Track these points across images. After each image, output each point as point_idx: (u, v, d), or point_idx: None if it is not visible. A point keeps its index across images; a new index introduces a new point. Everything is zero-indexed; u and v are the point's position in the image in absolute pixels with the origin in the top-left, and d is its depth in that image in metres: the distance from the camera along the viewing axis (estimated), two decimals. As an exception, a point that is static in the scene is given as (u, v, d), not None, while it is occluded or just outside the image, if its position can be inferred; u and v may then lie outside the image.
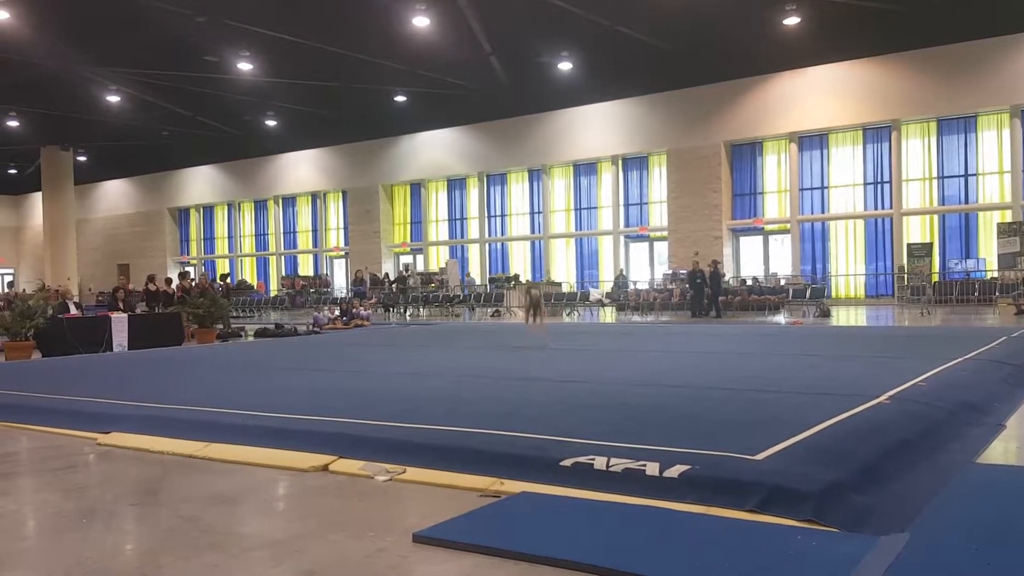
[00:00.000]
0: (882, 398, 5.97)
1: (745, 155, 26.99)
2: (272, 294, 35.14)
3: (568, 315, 24.28)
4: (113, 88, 25.51)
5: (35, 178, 36.97)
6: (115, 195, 44.17)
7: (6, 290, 36.23)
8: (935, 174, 24.20)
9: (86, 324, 15.03)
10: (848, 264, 25.65)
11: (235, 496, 4.47)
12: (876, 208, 24.97)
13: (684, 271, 23.59)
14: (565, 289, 28.00)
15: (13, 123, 29.69)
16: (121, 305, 16.72)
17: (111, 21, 19.57)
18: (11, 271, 46.59)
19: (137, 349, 14.47)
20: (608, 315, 23.92)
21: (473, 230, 32.78)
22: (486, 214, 32.41)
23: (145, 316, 16.88)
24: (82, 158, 36.65)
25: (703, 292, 21.55)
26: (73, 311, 16.25)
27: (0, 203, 47.44)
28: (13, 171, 39.77)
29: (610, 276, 29.03)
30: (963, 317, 18.21)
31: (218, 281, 25.90)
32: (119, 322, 15.01)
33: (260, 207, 39.37)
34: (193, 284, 21.03)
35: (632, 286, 26.46)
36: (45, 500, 4.58)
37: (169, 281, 20.77)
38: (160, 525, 3.97)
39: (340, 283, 35.78)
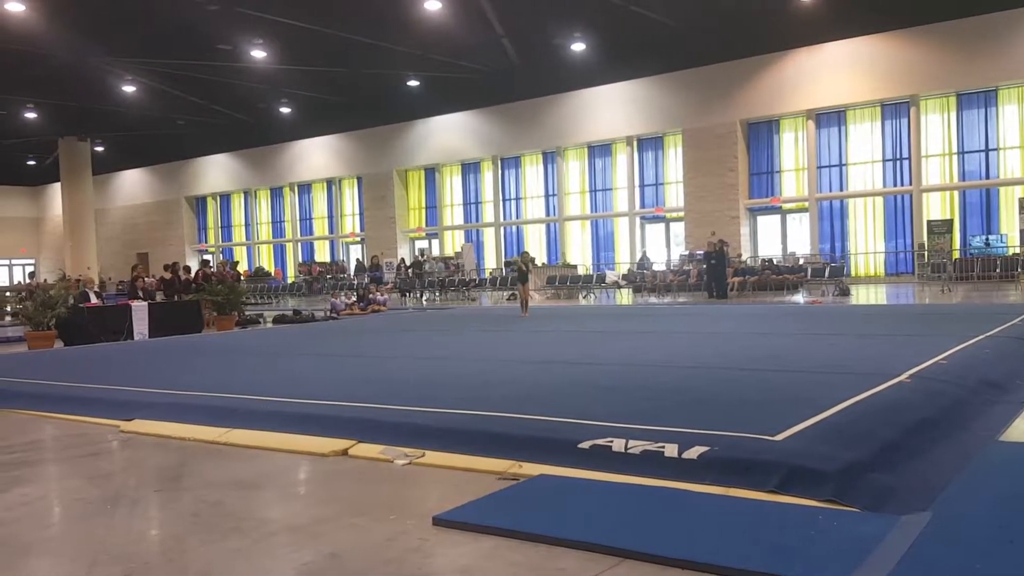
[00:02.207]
0: (903, 377, 5.93)
1: (762, 133, 26.76)
2: (289, 280, 35.32)
3: (584, 298, 24.24)
4: (128, 78, 25.63)
5: (54, 169, 37.25)
6: (132, 185, 44.47)
7: (27, 280, 36.58)
8: (955, 149, 23.90)
9: (107, 313, 15.16)
10: (867, 242, 25.43)
11: (257, 481, 4.51)
12: (895, 185, 24.71)
13: (701, 252, 23.45)
14: (581, 271, 27.95)
15: (31, 115, 29.91)
16: (141, 294, 16.85)
17: (125, 12, 19.64)
18: (32, 261, 47.06)
19: (157, 337, 14.60)
20: (625, 297, 23.86)
21: (488, 214, 32.75)
22: (501, 198, 32.36)
23: (165, 304, 17.00)
24: (99, 148, 36.88)
25: (718, 273, 21.39)
26: (94, 300, 16.38)
27: (20, 194, 47.87)
28: (32, 162, 40.11)
29: (626, 258, 28.95)
30: (984, 294, 18.02)
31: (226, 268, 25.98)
32: (139, 310, 15.12)
33: (276, 194, 39.50)
34: (212, 271, 21.16)
35: (635, 267, 26.37)
36: (70, 487, 4.64)
37: (188, 269, 20.88)
38: (184, 510, 4.01)
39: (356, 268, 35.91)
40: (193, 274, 20.02)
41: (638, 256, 28.16)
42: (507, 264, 29.45)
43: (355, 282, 28.75)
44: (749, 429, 4.39)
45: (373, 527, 3.60)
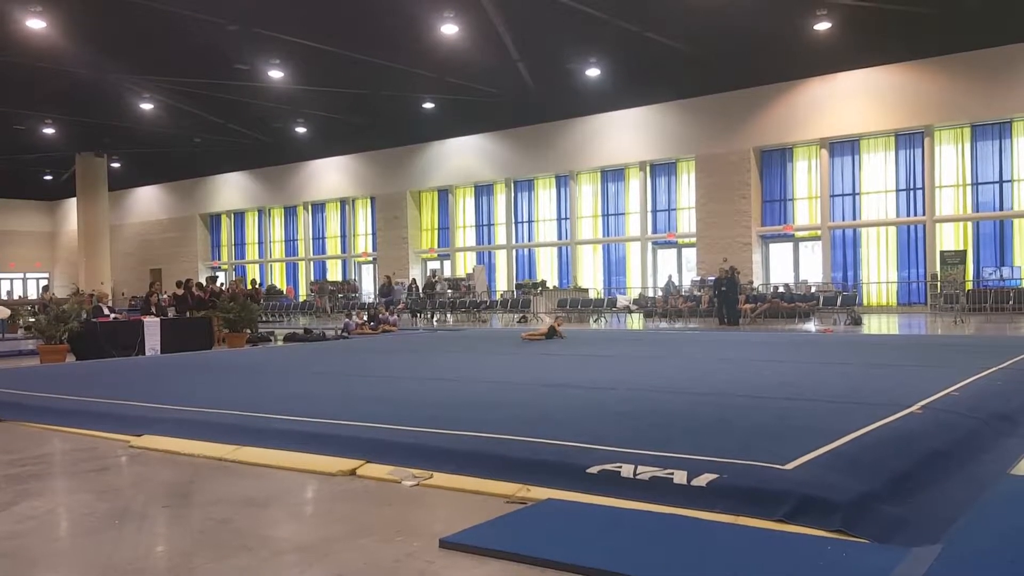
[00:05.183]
0: (914, 407, 5.89)
1: (775, 161, 26.79)
2: (301, 299, 35.43)
3: (595, 322, 24.22)
4: (146, 96, 25.89)
5: (70, 184, 37.59)
6: (148, 201, 44.83)
7: (41, 294, 36.82)
8: (969, 180, 23.85)
9: (119, 328, 15.24)
10: (880, 271, 25.34)
11: (265, 499, 4.51)
12: (908, 215, 24.66)
13: (712, 278, 23.42)
14: (592, 295, 27.94)
15: (49, 130, 30.23)
16: (153, 309, 16.95)
17: (144, 30, 19.88)
18: (46, 276, 47.38)
19: (169, 353, 14.66)
20: (635, 322, 23.82)
21: (500, 236, 32.83)
22: (513, 220, 32.44)
23: (177, 320, 17.09)
24: (116, 165, 37.20)
25: (729, 299, 21.32)
26: (107, 315, 16.48)
27: (36, 209, 48.30)
28: (49, 177, 40.48)
29: (638, 283, 28.94)
30: (997, 326, 17.91)
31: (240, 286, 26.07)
32: (152, 326, 15.21)
33: (290, 213, 39.74)
34: (223, 288, 21.26)
35: (660, 292, 26.32)
36: (79, 501, 4.65)
37: (201, 286, 20.99)
38: (192, 527, 4.02)
39: (368, 288, 36.03)
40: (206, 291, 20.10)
41: (662, 281, 28.13)
42: (518, 287, 29.47)
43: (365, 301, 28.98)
44: (759, 457, 4.37)
45: (380, 548, 3.60)
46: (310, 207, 38.50)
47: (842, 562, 3.16)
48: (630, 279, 29.70)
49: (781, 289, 23.22)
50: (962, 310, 20.42)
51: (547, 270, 31.59)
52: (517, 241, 32.51)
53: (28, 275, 47.46)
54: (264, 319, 26.37)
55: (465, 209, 34.10)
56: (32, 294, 43.48)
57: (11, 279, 46.83)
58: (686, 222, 28.33)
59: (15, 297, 41.54)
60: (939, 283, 22.19)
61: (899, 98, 23.87)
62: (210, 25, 19.08)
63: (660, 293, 26.31)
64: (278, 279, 39.93)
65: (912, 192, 24.61)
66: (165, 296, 19.78)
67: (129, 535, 3.90)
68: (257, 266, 40.85)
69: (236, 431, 5.96)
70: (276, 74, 23.47)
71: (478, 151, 32.50)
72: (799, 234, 26.65)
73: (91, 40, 20.53)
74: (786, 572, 3.07)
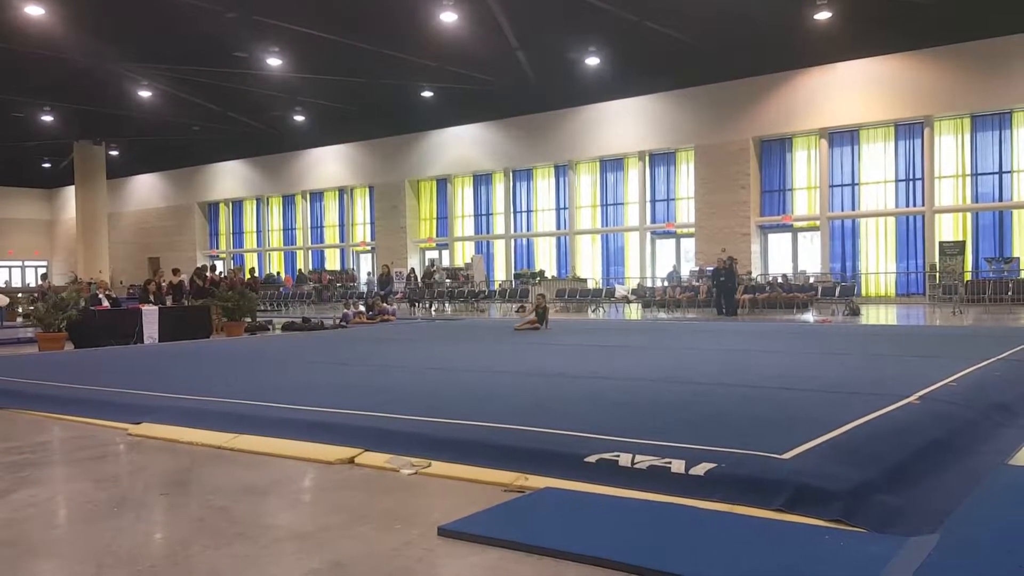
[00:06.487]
0: (912, 398, 5.90)
1: (774, 151, 26.75)
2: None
3: (593, 312, 24.22)
4: (145, 83, 25.81)
5: (68, 172, 37.52)
6: (146, 189, 44.75)
7: (39, 282, 36.78)
8: (968, 171, 23.84)
9: (118, 316, 15.23)
10: (879, 262, 25.34)
11: (263, 487, 4.51)
12: (908, 205, 24.64)
13: (711, 268, 23.41)
14: (590, 285, 27.94)
15: (47, 118, 30.14)
16: (152, 298, 16.94)
17: (143, 17, 19.81)
18: (44, 263, 47.34)
19: (167, 341, 14.66)
20: (633, 312, 23.82)
21: (499, 226, 32.80)
22: (512, 210, 32.41)
23: (175, 309, 17.07)
24: (114, 153, 37.12)
25: (727, 289, 21.32)
26: (105, 304, 16.47)
27: (34, 197, 48.21)
28: (47, 165, 40.40)
29: (636, 272, 28.95)
30: (996, 317, 17.93)
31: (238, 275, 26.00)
32: (150, 315, 15.20)
33: (288, 202, 39.68)
34: (222, 277, 21.23)
35: (664, 281, 26.34)
36: (77, 489, 4.65)
37: (202, 274, 20.94)
38: (190, 515, 4.02)
39: (366, 278, 36.02)
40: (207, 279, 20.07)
41: (661, 271, 28.21)
42: (516, 276, 29.46)
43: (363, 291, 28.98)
44: (757, 447, 4.37)
45: (378, 536, 3.60)
46: (308, 196, 38.44)
47: (840, 551, 3.16)
48: (628, 269, 29.70)
49: (780, 280, 23.22)
50: (960, 301, 20.43)
51: (546, 260, 31.58)
52: (516, 231, 32.49)
53: (26, 263, 47.42)
54: (263, 308, 26.37)
55: (464, 198, 34.06)
56: (30, 282, 43.44)
57: (9, 267, 46.81)
58: (685, 212, 28.31)
59: (13, 285, 41.50)
60: (938, 274, 22.19)
61: (899, 88, 23.83)
62: (208, 12, 19.01)
63: (664, 283, 26.33)
64: (276, 268, 39.89)
65: (911, 183, 24.59)
66: (165, 283, 19.74)
67: (127, 523, 3.90)
68: (255, 255, 40.81)
69: (234, 419, 5.96)
70: (274, 62, 23.39)
71: (477, 140, 32.44)
72: (798, 224, 26.64)
73: (90, 27, 20.45)
74: (784, 561, 3.08)
